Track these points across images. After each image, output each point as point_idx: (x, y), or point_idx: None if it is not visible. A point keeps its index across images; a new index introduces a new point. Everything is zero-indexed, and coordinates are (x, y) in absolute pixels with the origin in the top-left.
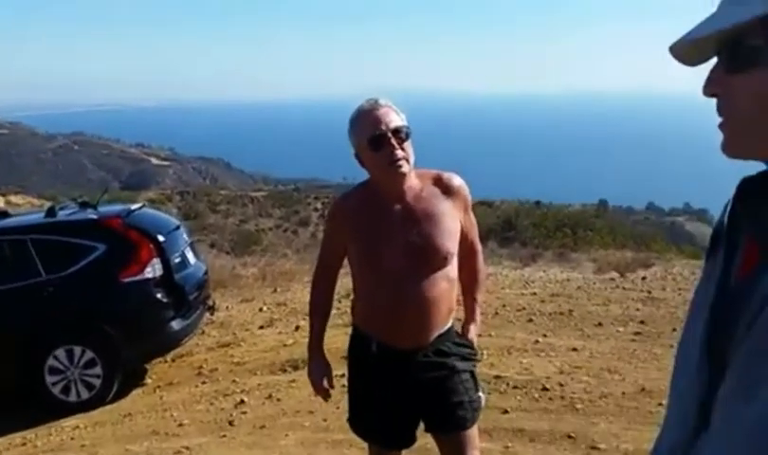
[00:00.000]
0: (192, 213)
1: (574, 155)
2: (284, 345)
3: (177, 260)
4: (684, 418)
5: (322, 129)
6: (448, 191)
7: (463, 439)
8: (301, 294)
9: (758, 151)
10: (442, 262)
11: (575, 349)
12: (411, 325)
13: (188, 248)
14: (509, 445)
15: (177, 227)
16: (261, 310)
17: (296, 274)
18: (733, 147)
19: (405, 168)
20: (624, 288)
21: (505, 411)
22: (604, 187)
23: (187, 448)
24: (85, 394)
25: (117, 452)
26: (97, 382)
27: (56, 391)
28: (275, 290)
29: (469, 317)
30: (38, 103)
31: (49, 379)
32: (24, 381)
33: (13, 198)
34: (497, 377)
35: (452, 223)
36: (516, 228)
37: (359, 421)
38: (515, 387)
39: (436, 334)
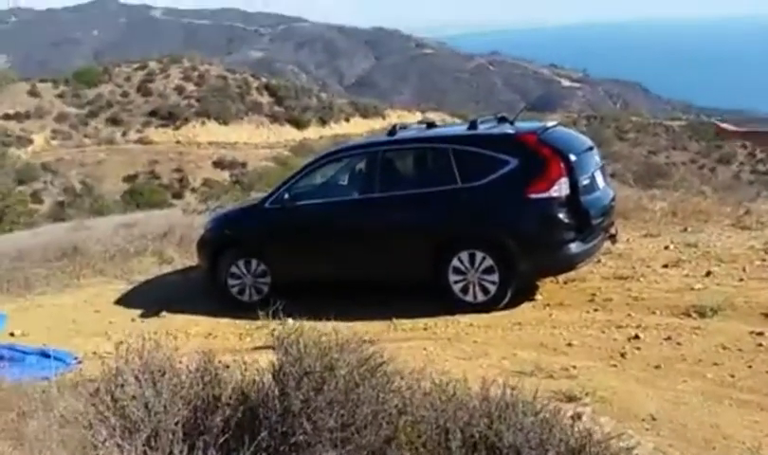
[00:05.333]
0: (596, 139)
1: None
2: (692, 289)
3: (586, 182)
4: None
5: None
6: None
7: None
8: (716, 238)
9: None
10: None
11: None
12: None
13: (598, 171)
14: None
15: (590, 148)
16: (666, 248)
17: (713, 215)
18: None
19: None
20: None
21: None
22: None
23: (574, 367)
24: (481, 297)
25: (505, 354)
26: (492, 288)
27: (456, 288)
28: (685, 229)
29: None
30: (463, 22)
31: (452, 278)
32: (432, 275)
33: (430, 114)
34: None
35: None
36: None
37: None
38: None
39: None
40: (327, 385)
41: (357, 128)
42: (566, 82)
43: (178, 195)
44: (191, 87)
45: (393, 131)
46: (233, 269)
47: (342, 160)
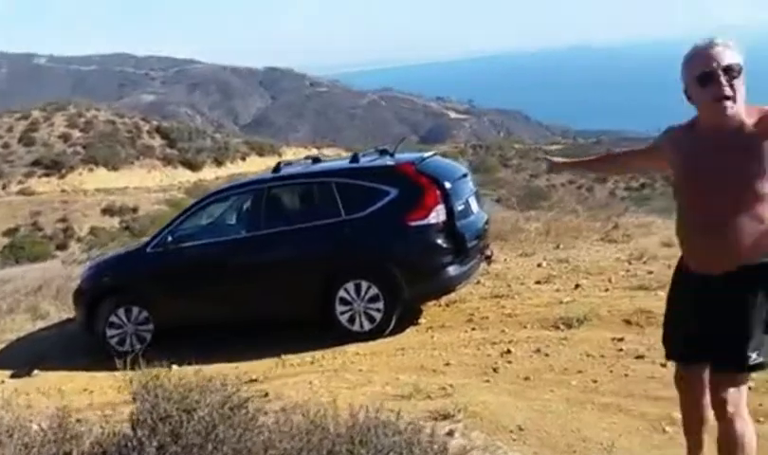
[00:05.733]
0: (482, 167)
1: None
2: (560, 302)
3: (461, 207)
4: None
5: (635, 76)
6: None
7: (721, 377)
8: (586, 253)
9: None
10: (750, 198)
11: None
12: (708, 252)
13: (472, 197)
14: None
15: (464, 175)
16: (539, 265)
17: (583, 231)
18: None
19: (729, 109)
20: None
21: None
22: None
23: (451, 386)
24: (367, 325)
25: (388, 379)
26: (378, 316)
27: (343, 319)
28: (558, 246)
29: None
30: (357, 61)
31: (339, 309)
32: (321, 308)
33: (326, 150)
34: None
35: None
36: None
37: (665, 339)
38: None
39: (734, 265)
40: (184, 429)
41: (254, 166)
42: (453, 114)
43: (63, 246)
44: (77, 134)
45: (277, 167)
46: (112, 318)
47: (228, 199)
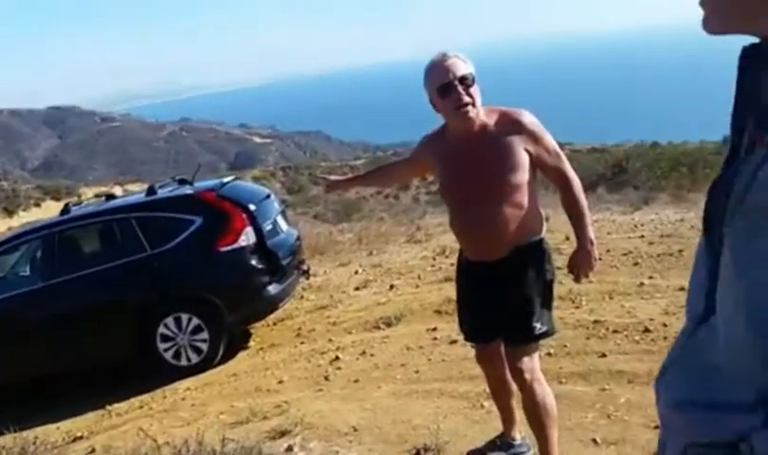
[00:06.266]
0: (295, 187)
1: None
2: (378, 304)
3: (269, 227)
4: (694, 311)
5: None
6: (513, 124)
7: (514, 350)
8: (396, 255)
9: (742, 22)
10: (507, 189)
11: (682, 288)
12: (480, 243)
13: (279, 216)
14: (606, 386)
15: (268, 196)
16: (356, 273)
17: (391, 236)
18: (714, 22)
19: (471, 112)
20: None
21: (603, 355)
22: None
23: (286, 403)
24: (195, 358)
25: (223, 408)
26: (204, 346)
27: (168, 356)
28: (371, 253)
29: (577, 248)
30: (135, 93)
31: (161, 346)
32: (139, 349)
33: (131, 186)
34: (596, 322)
35: (518, 155)
36: (627, 172)
37: (461, 323)
38: (615, 331)
39: (506, 250)
40: None
41: (51, 211)
42: (258, 139)
43: None
44: None
45: (66, 209)
46: None
47: (17, 249)
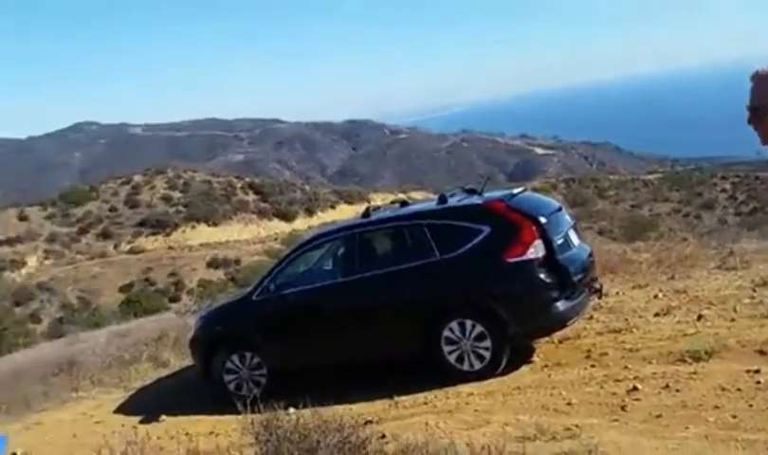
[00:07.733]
0: (578, 200)
1: None
2: (684, 334)
3: (560, 241)
4: None
5: (732, 97)
6: None
7: None
8: (704, 281)
9: None
10: None
11: None
12: None
13: (571, 230)
14: None
15: (559, 209)
16: (656, 297)
17: (697, 259)
18: None
19: None
20: None
21: None
22: None
23: (577, 426)
24: (477, 365)
25: (507, 419)
26: (486, 354)
27: (451, 359)
28: (672, 277)
29: None
30: (422, 108)
31: (446, 348)
32: (424, 348)
33: (413, 194)
34: None
35: None
36: None
37: None
38: None
39: None
40: None
41: (344, 214)
42: (540, 150)
43: (175, 299)
44: (177, 195)
45: (367, 213)
46: (228, 364)
47: (323, 246)
